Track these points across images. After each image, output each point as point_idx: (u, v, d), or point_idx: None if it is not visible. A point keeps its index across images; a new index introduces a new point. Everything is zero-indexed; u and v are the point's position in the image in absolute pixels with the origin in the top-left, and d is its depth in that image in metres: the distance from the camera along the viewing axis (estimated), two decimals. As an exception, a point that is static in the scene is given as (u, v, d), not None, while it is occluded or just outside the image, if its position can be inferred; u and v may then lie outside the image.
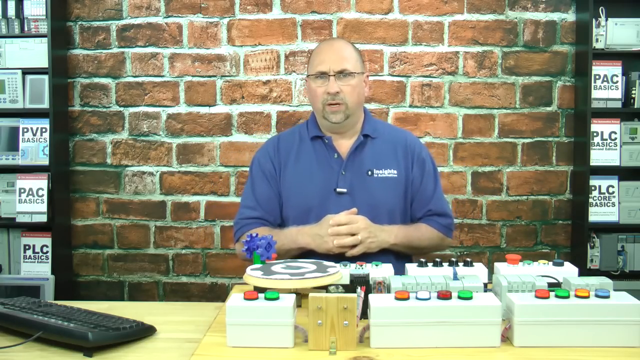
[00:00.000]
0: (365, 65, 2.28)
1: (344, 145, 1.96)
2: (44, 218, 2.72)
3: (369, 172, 1.92)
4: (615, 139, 2.70)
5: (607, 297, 1.24)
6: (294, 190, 1.94)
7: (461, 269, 1.50)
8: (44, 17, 2.71)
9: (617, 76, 2.69)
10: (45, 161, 2.74)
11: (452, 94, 2.80)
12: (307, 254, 1.83)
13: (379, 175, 1.92)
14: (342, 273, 1.48)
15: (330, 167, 1.93)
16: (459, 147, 2.81)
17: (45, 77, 2.72)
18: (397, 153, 1.96)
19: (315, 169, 1.94)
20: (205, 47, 2.82)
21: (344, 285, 1.31)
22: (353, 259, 1.62)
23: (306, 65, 2.77)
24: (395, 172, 1.93)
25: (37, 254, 2.76)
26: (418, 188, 1.96)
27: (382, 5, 2.78)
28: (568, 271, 1.49)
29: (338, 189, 1.89)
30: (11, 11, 2.73)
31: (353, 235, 1.76)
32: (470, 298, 1.24)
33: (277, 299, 1.25)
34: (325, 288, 1.31)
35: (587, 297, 1.24)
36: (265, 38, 2.81)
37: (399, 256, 1.92)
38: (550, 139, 2.81)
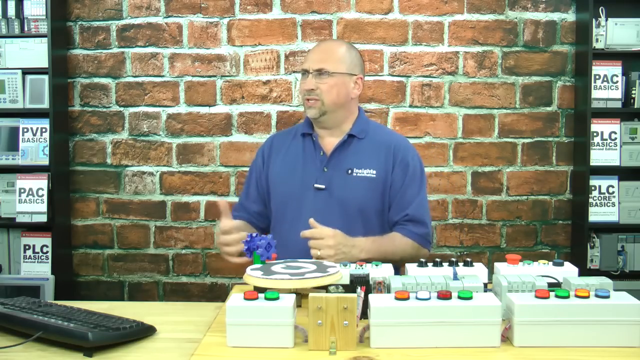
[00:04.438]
0: (365, 67, 2.30)
1: (330, 143, 1.99)
2: (44, 218, 2.72)
3: (349, 171, 1.94)
4: (615, 139, 2.70)
5: (607, 297, 1.24)
6: (277, 183, 2.01)
7: (461, 269, 1.49)
8: (44, 17, 2.71)
9: (617, 76, 2.69)
10: (45, 161, 2.74)
11: (452, 94, 2.80)
12: (305, 253, 1.83)
13: (358, 174, 1.93)
14: (342, 273, 1.48)
15: (314, 163, 1.97)
16: (459, 147, 2.81)
17: (45, 77, 2.72)
18: (379, 154, 1.96)
19: (300, 164, 1.98)
20: (205, 47, 2.82)
21: (344, 285, 1.31)
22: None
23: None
24: (374, 172, 1.93)
25: (37, 254, 2.76)
26: (397, 191, 1.93)
27: (382, 5, 2.78)
28: (568, 271, 1.49)
29: (316, 185, 1.93)
30: (11, 11, 2.72)
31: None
32: (470, 298, 1.24)
33: (277, 299, 1.25)
34: (325, 288, 1.31)
35: (587, 297, 1.24)
36: (265, 38, 2.81)
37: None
38: (550, 139, 2.81)
